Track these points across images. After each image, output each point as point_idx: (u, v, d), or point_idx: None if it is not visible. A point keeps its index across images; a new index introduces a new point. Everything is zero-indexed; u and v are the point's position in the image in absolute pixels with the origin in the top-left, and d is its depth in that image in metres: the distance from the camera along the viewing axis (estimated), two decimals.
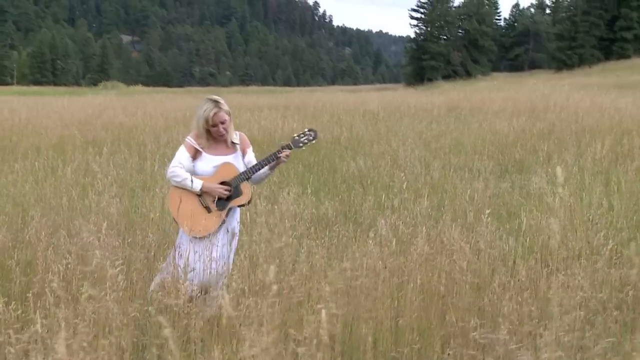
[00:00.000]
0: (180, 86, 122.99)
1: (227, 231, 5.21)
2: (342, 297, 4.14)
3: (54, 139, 14.17)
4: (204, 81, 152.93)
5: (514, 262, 5.24)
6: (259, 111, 20.29)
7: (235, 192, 5.18)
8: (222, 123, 5.09)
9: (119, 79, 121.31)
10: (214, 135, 5.13)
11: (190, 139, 5.18)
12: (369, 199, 7.95)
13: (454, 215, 7.54)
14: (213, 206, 5.13)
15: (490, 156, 11.50)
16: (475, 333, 3.71)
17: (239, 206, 5.31)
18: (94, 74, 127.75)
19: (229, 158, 5.21)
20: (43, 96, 49.15)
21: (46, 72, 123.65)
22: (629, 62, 74.70)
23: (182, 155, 5.15)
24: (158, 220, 6.98)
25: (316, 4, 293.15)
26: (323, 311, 2.73)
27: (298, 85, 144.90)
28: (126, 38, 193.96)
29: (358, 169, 10.58)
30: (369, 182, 9.59)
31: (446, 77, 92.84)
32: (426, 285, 4.47)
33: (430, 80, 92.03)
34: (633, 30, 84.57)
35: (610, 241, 5.39)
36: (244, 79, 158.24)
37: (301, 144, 5.39)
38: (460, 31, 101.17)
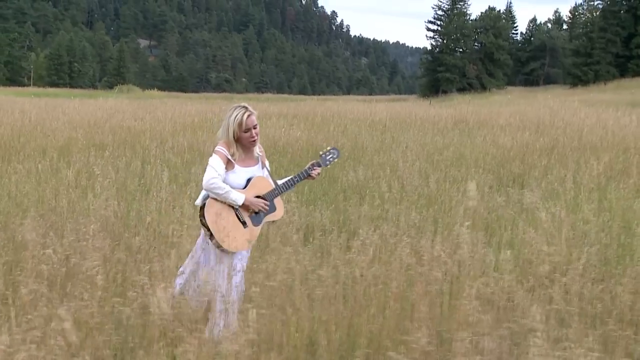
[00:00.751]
0: (196, 92, 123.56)
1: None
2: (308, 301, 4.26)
3: (60, 140, 14.32)
4: (220, 87, 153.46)
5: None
6: (268, 119, 20.44)
7: (270, 207, 5.09)
8: (254, 127, 4.99)
9: (135, 83, 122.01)
10: (244, 142, 5.00)
11: (222, 148, 4.99)
12: (365, 209, 8.07)
13: (445, 227, 7.66)
14: (249, 221, 5.01)
15: (490, 170, 11.58)
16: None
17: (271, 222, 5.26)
18: (111, 77, 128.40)
19: (256, 170, 5.11)
20: (57, 98, 49.60)
21: (63, 74, 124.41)
22: None
23: (218, 165, 4.92)
24: (154, 224, 7.09)
25: (334, 14, 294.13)
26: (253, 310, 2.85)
27: (313, 93, 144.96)
28: (144, 42, 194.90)
29: (357, 179, 10.66)
30: (367, 192, 9.66)
31: (461, 90, 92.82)
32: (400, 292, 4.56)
33: (445, 92, 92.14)
34: None
35: (593, 256, 5.49)
36: (260, 86, 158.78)
37: (328, 162, 5.40)
38: (476, 44, 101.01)
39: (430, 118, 21.12)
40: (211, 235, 4.91)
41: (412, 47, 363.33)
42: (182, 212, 7.57)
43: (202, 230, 5.03)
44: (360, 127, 18.83)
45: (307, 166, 5.30)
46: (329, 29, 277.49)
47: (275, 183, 5.17)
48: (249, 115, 4.94)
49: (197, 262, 5.06)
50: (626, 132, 15.04)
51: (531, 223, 7.42)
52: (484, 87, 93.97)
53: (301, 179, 5.25)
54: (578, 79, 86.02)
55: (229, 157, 4.95)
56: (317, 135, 15.73)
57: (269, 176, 5.22)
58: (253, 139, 5.01)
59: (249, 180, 5.03)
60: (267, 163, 5.31)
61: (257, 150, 5.17)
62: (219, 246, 4.90)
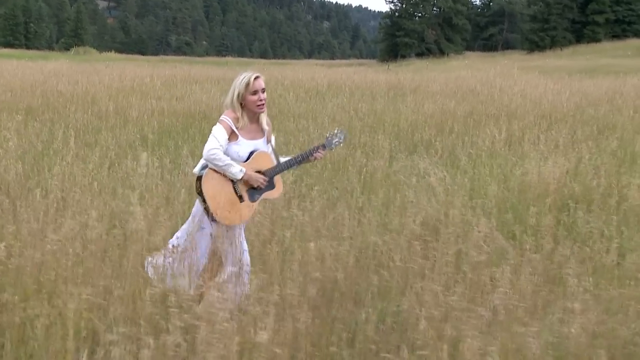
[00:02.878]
0: (156, 54, 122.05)
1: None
2: None
3: None
4: (180, 50, 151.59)
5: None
6: (206, 83, 20.51)
7: (269, 185, 4.98)
8: (263, 91, 4.85)
9: (94, 45, 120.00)
10: (251, 107, 4.83)
11: (227, 118, 4.82)
12: None
13: (342, 192, 8.00)
14: (246, 196, 4.89)
15: (403, 136, 11.89)
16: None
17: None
18: (68, 38, 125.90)
19: (260, 143, 4.94)
20: (8, 59, 48.67)
21: (18, 34, 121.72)
22: (599, 45, 75.42)
23: (221, 135, 4.75)
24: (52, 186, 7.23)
25: None
26: None
27: (275, 57, 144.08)
28: (102, 3, 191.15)
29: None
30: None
31: (420, 55, 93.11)
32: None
33: (403, 57, 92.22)
34: (604, 14, 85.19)
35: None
36: (220, 50, 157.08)
37: (333, 145, 5.22)
38: (435, 9, 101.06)
39: (367, 83, 21.32)
40: (206, 207, 4.80)
41: (375, 11, 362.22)
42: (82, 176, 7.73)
43: (197, 203, 4.94)
44: (297, 93, 18.97)
45: (312, 147, 5.15)
46: None
47: (278, 160, 5.04)
48: (256, 78, 4.80)
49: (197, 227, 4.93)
50: (552, 100, 15.36)
51: (417, 186, 7.81)
52: (442, 52, 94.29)
53: (303, 159, 5.08)
54: (535, 44, 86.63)
55: (234, 127, 4.79)
56: None
57: (272, 153, 5.07)
58: (261, 103, 4.85)
59: (251, 154, 4.88)
60: (273, 138, 5.14)
61: (265, 122, 4.98)
62: (214, 219, 4.80)
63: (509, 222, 6.41)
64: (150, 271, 4.82)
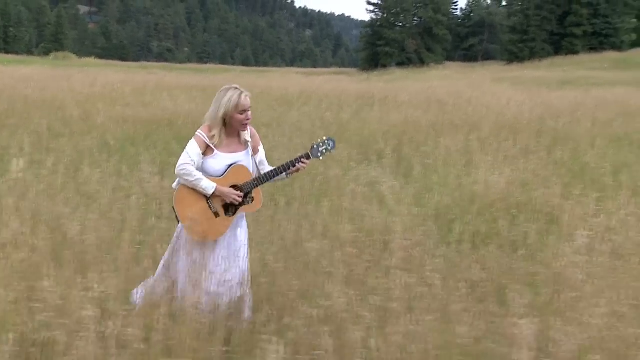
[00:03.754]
0: (137, 60, 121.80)
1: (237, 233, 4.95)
2: None
3: None
4: (162, 56, 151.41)
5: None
6: (176, 90, 20.56)
7: (246, 198, 4.85)
8: (248, 110, 4.77)
9: (74, 50, 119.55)
10: (236, 125, 4.75)
11: (202, 133, 4.73)
12: None
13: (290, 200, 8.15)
14: (222, 211, 4.77)
15: (363, 145, 12.03)
16: None
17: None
18: (48, 43, 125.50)
19: (241, 156, 4.83)
20: None
21: None
22: (577, 57, 76.12)
23: (193, 151, 4.67)
24: None
25: None
26: None
27: (257, 65, 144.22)
28: (83, 9, 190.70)
29: None
30: None
31: (400, 64, 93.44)
32: None
33: (384, 66, 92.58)
34: (582, 27, 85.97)
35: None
36: (202, 57, 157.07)
37: (319, 154, 5.04)
38: (416, 19, 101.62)
39: (338, 93, 21.46)
40: (179, 222, 4.75)
41: (357, 20, 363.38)
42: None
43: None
44: (267, 101, 19.05)
45: (294, 158, 4.95)
46: (273, 0, 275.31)
47: (259, 173, 4.93)
48: (246, 96, 4.72)
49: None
50: (514, 112, 15.55)
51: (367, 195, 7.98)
52: (422, 62, 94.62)
53: (284, 170, 4.89)
54: (514, 55, 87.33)
55: (209, 142, 4.69)
56: (207, 106, 15.84)
57: (260, 162, 5.01)
58: (247, 121, 4.78)
59: (229, 167, 4.78)
60: (261, 148, 5.04)
61: (247, 135, 4.88)
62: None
63: (442, 229, 6.56)
64: (135, 297, 4.78)
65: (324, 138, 5.13)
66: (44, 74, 29.02)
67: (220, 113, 4.67)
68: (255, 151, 4.96)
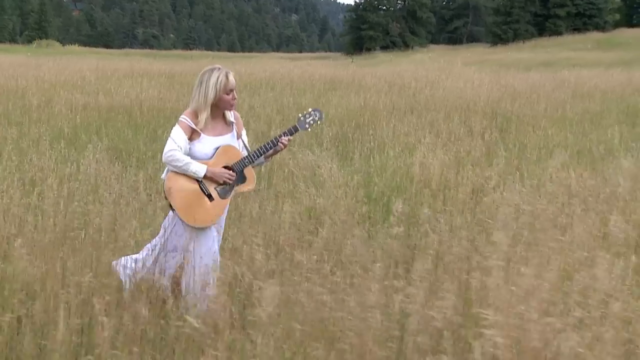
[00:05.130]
0: (122, 47, 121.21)
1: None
2: None
3: None
4: (147, 43, 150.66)
5: None
6: (142, 77, 20.64)
7: (238, 178, 4.78)
8: (234, 89, 4.75)
9: (59, 38, 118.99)
10: (223, 106, 4.70)
11: (185, 118, 4.67)
12: None
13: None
14: (215, 193, 4.71)
15: (314, 130, 12.18)
16: None
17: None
18: (32, 31, 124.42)
19: (227, 138, 4.79)
20: None
21: None
22: (560, 38, 76.24)
23: (179, 137, 4.61)
24: None
25: None
26: None
27: (243, 50, 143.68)
28: None
29: None
30: None
31: (384, 48, 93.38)
32: None
33: (369, 50, 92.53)
34: (566, 8, 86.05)
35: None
36: (188, 43, 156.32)
37: (307, 125, 5.01)
38: (399, 2, 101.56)
39: (305, 78, 21.57)
40: (174, 210, 4.67)
41: (344, 4, 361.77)
42: None
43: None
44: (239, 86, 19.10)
45: (277, 135, 4.93)
46: None
47: (248, 152, 4.87)
48: (231, 75, 4.69)
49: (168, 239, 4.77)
50: (468, 95, 15.72)
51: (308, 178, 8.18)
52: (407, 45, 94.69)
53: (270, 148, 4.87)
54: (498, 37, 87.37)
55: (194, 126, 4.63)
56: (172, 97, 15.97)
57: (244, 147, 4.93)
58: (234, 101, 4.75)
59: (217, 149, 4.73)
60: (244, 133, 4.98)
61: (230, 116, 4.84)
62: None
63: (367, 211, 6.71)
64: (121, 271, 4.74)
65: (310, 110, 5.10)
66: (17, 62, 29.04)
67: (211, 95, 4.60)
68: (239, 135, 4.90)
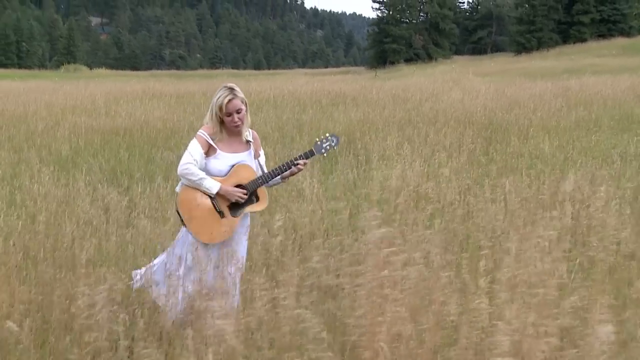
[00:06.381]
0: (149, 69, 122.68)
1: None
2: None
3: None
4: (174, 64, 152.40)
5: None
6: (150, 99, 21.02)
7: (251, 198, 4.79)
8: (238, 112, 4.65)
9: (87, 62, 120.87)
10: (228, 126, 4.70)
11: (203, 133, 4.69)
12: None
13: None
14: (227, 211, 4.70)
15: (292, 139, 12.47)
16: None
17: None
18: (61, 56, 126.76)
19: (243, 156, 4.78)
20: None
21: (11, 54, 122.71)
22: (585, 45, 75.59)
23: (195, 150, 4.62)
24: None
25: None
26: None
27: (269, 68, 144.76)
28: (95, 20, 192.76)
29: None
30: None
31: (408, 61, 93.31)
32: None
33: (392, 63, 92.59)
34: (590, 14, 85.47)
35: None
36: (214, 62, 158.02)
37: (323, 150, 5.01)
38: (421, 15, 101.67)
39: (311, 93, 21.77)
40: (184, 223, 4.67)
41: (369, 18, 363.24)
42: None
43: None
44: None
45: (298, 156, 4.93)
46: (283, 2, 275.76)
47: (263, 172, 4.85)
48: (230, 100, 4.61)
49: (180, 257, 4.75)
50: (464, 107, 15.79)
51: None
52: (430, 57, 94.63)
53: (287, 168, 4.84)
54: (522, 46, 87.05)
55: (211, 142, 4.65)
56: (173, 116, 16.29)
57: (260, 166, 4.93)
58: (235, 124, 4.67)
59: (232, 167, 4.72)
60: (261, 153, 5.00)
61: (248, 135, 4.84)
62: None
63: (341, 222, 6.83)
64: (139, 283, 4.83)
65: (327, 135, 5.09)
66: (39, 87, 29.66)
67: (213, 113, 4.64)
68: (256, 155, 4.91)
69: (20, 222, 6.17)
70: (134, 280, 4.89)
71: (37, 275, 5.08)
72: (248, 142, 4.82)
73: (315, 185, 8.16)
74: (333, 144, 5.04)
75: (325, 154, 5.04)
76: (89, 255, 5.44)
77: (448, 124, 13.45)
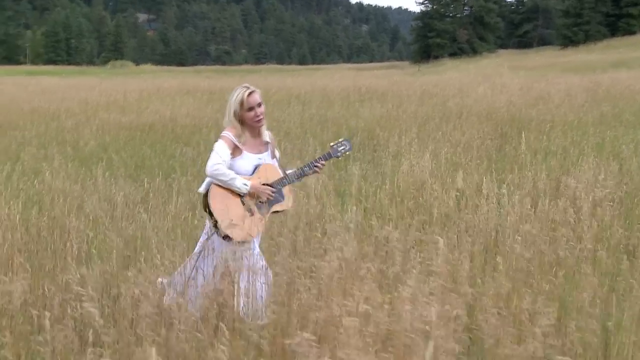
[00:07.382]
0: (195, 65, 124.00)
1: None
2: None
3: None
4: (220, 59, 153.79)
5: None
6: (184, 95, 21.33)
7: (277, 197, 4.88)
8: (259, 106, 4.72)
9: (134, 58, 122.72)
10: (250, 122, 4.73)
11: (228, 133, 4.70)
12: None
13: None
14: (255, 209, 4.77)
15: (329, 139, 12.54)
16: None
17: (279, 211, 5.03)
18: (108, 52, 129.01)
19: (266, 156, 4.86)
20: (39, 76, 49.97)
21: (60, 51, 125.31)
22: (634, 38, 74.06)
23: (223, 151, 4.65)
24: None
25: None
26: None
27: (314, 63, 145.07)
28: (142, 16, 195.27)
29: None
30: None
31: (452, 55, 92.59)
32: None
33: (436, 57, 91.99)
34: (639, 6, 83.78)
35: None
36: (260, 57, 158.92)
37: (339, 153, 5.08)
38: (466, 8, 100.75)
39: (340, 89, 21.85)
40: (215, 224, 4.66)
41: (414, 12, 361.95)
42: None
43: (207, 222, 4.80)
44: (270, 101, 19.56)
45: (316, 159, 5.01)
46: None
47: (284, 172, 4.93)
48: (250, 93, 4.68)
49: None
50: (488, 102, 15.73)
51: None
52: (475, 51, 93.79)
53: (310, 169, 4.92)
54: (569, 39, 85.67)
55: (236, 142, 4.68)
56: (198, 113, 16.53)
57: (278, 167, 4.97)
58: (258, 118, 4.73)
59: (257, 167, 4.79)
60: (277, 153, 5.06)
61: (267, 135, 4.91)
62: (225, 236, 4.64)
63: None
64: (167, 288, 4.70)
65: (340, 139, 5.19)
66: (79, 84, 30.26)
67: (231, 112, 4.68)
68: (272, 155, 4.95)
69: (20, 216, 6.37)
70: (166, 295, 4.62)
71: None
72: (266, 142, 4.88)
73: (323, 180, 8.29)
74: (347, 148, 5.13)
75: (340, 157, 5.13)
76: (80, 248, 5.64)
77: (469, 119, 13.44)
